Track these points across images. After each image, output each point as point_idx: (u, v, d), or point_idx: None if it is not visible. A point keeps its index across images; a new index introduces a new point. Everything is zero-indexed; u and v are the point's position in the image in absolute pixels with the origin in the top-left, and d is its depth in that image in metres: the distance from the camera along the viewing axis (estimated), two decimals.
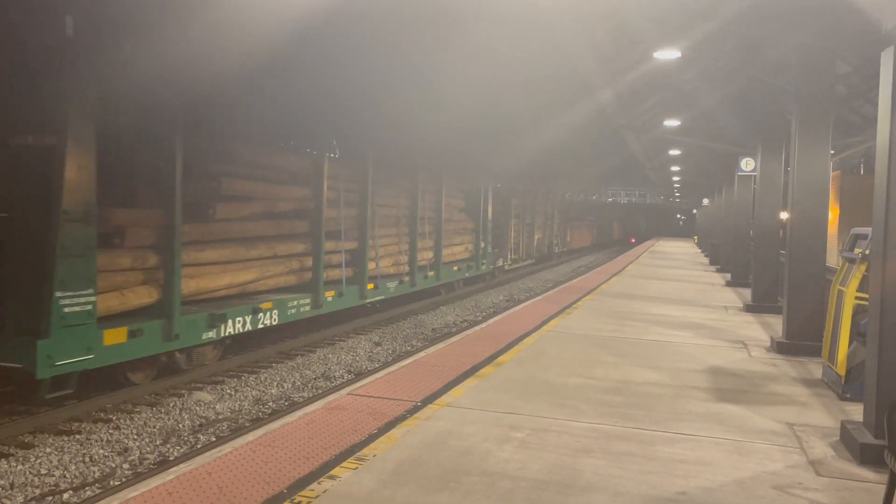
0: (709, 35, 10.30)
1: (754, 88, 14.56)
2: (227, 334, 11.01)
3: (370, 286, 15.87)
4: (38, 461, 7.32)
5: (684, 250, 45.46)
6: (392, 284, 17.23)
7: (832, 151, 10.69)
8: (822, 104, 10.26)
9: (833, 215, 19.58)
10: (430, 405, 6.81)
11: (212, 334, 10.72)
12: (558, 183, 41.96)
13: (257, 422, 8.79)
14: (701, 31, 10.16)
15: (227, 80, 9.59)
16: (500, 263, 28.10)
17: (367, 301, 15.96)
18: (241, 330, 11.28)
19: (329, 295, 14.10)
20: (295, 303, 12.89)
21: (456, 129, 16.72)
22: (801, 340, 10.05)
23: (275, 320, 12.19)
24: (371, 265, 16.10)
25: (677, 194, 65.61)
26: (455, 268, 22.07)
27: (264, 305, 11.94)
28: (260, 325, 11.79)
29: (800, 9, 7.95)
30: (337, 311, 14.92)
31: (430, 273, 19.75)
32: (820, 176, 10.25)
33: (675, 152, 27.94)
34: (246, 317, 11.43)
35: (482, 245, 24.81)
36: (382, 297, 16.78)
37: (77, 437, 8.08)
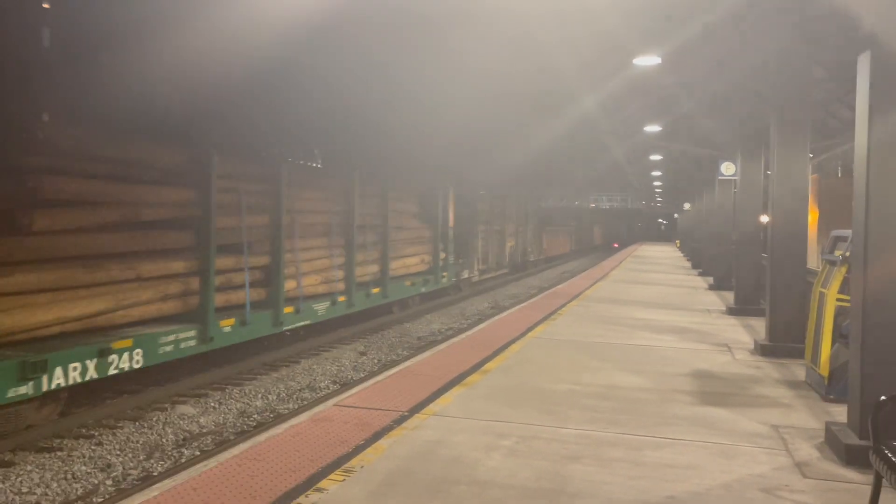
0: (687, 41, 10.40)
1: (733, 93, 14.70)
2: (55, 387, 8.21)
3: (288, 310, 13.12)
4: (19, 479, 7.20)
5: (667, 255, 45.75)
6: (321, 306, 14.46)
7: (811, 155, 10.81)
8: (800, 108, 10.37)
9: (812, 218, 19.79)
10: (417, 415, 6.78)
11: (26, 389, 7.83)
12: (534, 188, 40.59)
13: (242, 435, 8.71)
14: (680, 37, 10.25)
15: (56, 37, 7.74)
16: (467, 275, 25.48)
17: (286, 328, 13.19)
18: (79, 380, 8.53)
19: (226, 324, 11.36)
20: (171, 337, 10.08)
21: (407, 126, 15.79)
22: (784, 343, 10.13)
23: (138, 362, 9.44)
24: (290, 284, 13.49)
25: (659, 199, 66.04)
26: (408, 282, 19.27)
27: (119, 344, 9.10)
28: (113, 371, 9.02)
29: (777, 14, 8.05)
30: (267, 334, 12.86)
31: (375, 290, 17.09)
32: (799, 179, 10.36)
33: (656, 157, 28.17)
34: (88, 361, 8.62)
35: (442, 256, 22.22)
36: (308, 321, 13.94)
37: (59, 454, 7.96)
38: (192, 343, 10.56)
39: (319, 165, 17.59)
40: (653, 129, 19.40)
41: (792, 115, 10.29)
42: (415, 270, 20.20)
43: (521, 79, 13.46)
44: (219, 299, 11.44)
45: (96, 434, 8.64)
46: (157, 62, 9.37)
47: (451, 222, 22.84)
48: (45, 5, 8.68)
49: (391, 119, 15.08)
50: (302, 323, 13.73)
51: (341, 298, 15.30)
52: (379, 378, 8.44)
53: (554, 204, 67.24)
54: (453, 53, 11.22)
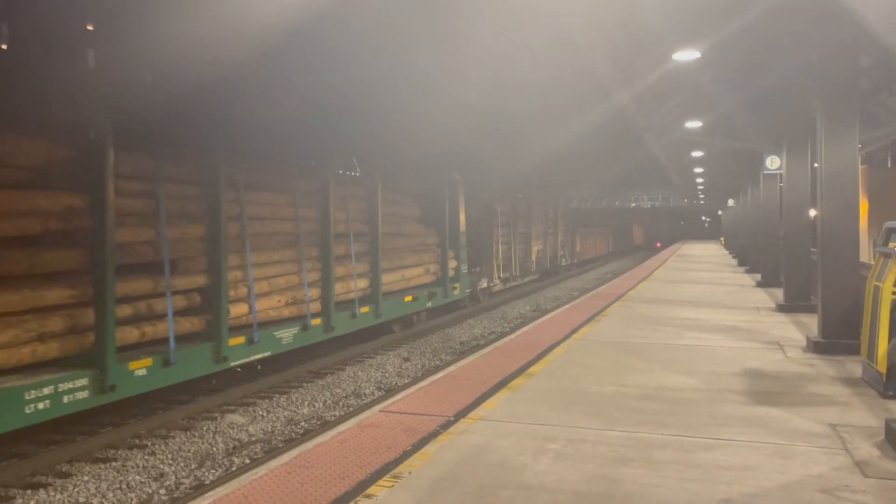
0: (729, 35, 10.21)
1: (776, 86, 14.39)
2: None
3: (237, 340, 10.69)
4: (77, 490, 7.37)
5: (711, 252, 44.98)
6: (287, 332, 11.88)
7: (859, 146, 10.52)
8: (847, 98, 10.10)
9: (862, 210, 19.24)
10: (463, 419, 6.75)
11: None
12: (565, 187, 37.49)
13: (291, 442, 8.79)
14: (721, 31, 10.08)
15: None
16: (485, 285, 22.88)
17: (235, 364, 10.74)
18: None
19: (139, 366, 8.95)
20: (47, 390, 7.69)
21: (404, 114, 13.52)
22: (838, 339, 9.85)
23: None
24: (239, 308, 11.01)
25: (702, 196, 64.95)
26: (408, 297, 16.50)
27: None
28: None
29: (820, 4, 7.85)
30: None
31: (364, 309, 14.41)
32: (849, 170, 10.08)
33: (697, 154, 27.69)
34: None
35: (453, 264, 19.42)
36: (266, 353, 11.42)
37: (113, 464, 8.13)
38: (84, 395, 8.16)
39: (279, 162, 13.92)
40: (694, 124, 19.09)
41: (839, 104, 10.02)
42: (418, 283, 17.79)
43: (551, 68, 12.79)
44: (130, 334, 9.11)
45: (149, 444, 8.80)
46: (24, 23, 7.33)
47: (462, 226, 19.94)
48: None
49: (384, 103, 13.03)
50: (258, 356, 11.24)
51: (315, 322, 12.69)
52: (423, 383, 8.43)
53: (591, 204, 66.33)
54: (471, 38, 10.63)
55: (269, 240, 12.22)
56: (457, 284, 19.59)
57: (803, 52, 11.18)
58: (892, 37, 6.33)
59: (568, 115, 17.82)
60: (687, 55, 11.18)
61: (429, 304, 17.69)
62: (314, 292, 13.08)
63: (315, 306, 13.03)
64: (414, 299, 16.81)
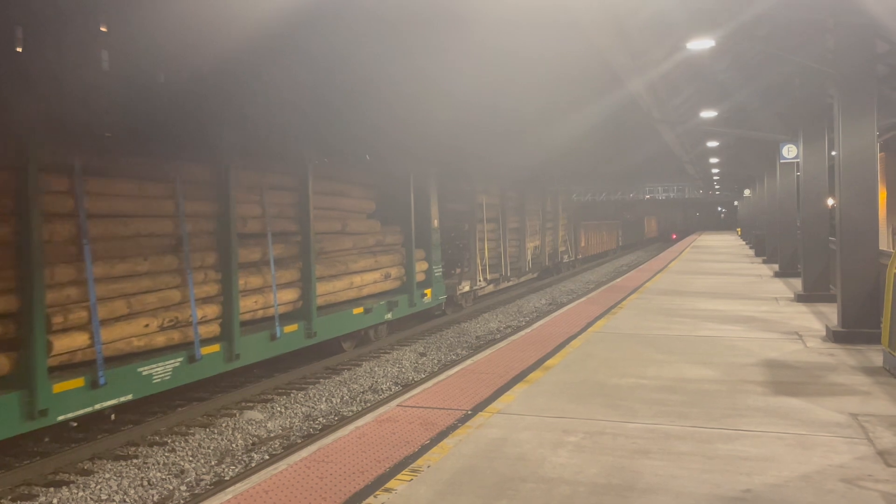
0: (744, 23, 10.12)
1: (792, 74, 14.26)
2: None
3: (72, 384, 7.86)
4: (98, 487, 7.44)
5: (728, 243, 44.67)
6: (161, 367, 9.01)
7: (877, 133, 10.40)
8: (864, 84, 9.98)
9: (881, 198, 19.03)
10: (480, 413, 6.75)
11: None
12: (573, 179, 34.97)
13: (309, 438, 8.82)
14: (736, 19, 9.98)
15: None
16: (467, 289, 19.44)
17: (66, 417, 7.84)
18: None
19: None
20: None
21: (344, 82, 11.71)
22: (858, 328, 9.75)
23: None
24: (71, 340, 8.10)
25: (717, 187, 64.50)
26: (358, 309, 13.34)
27: None
28: None
29: None
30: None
31: (290, 328, 11.44)
32: (867, 158, 9.96)
33: (712, 144, 27.47)
34: None
35: (422, 266, 16.50)
36: (126, 397, 8.53)
37: (134, 461, 8.20)
38: None
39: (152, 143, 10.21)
40: (709, 114, 18.95)
41: (856, 91, 9.91)
42: (375, 290, 14.67)
43: (558, 58, 12.47)
44: None
45: (169, 441, 8.86)
46: None
47: (434, 222, 17.05)
48: None
49: (312, 71, 11.08)
50: (108, 402, 8.31)
51: (210, 349, 9.85)
52: (440, 378, 8.43)
53: (601, 197, 65.56)
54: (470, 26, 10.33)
55: (130, 244, 9.18)
56: (428, 290, 16.50)
57: (819, 39, 11.06)
58: None
59: (574, 106, 17.52)
60: (701, 44, 11.08)
61: (388, 316, 14.48)
62: (209, 310, 10.09)
63: (210, 329, 10.09)
64: (367, 311, 13.60)
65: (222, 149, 10.48)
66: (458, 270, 19.59)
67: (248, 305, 10.86)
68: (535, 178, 27.97)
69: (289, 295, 11.83)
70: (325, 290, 12.82)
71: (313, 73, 12.16)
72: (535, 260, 27.51)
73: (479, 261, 20.27)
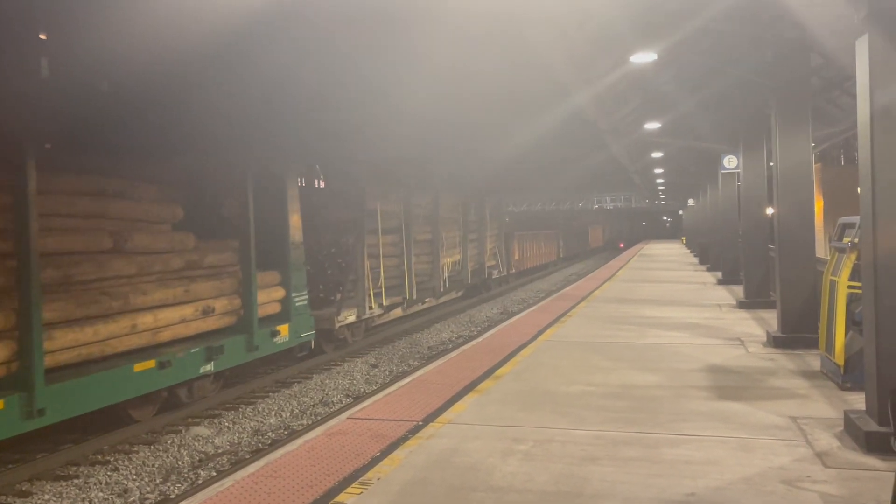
0: (685, 36, 10.39)
1: (732, 86, 14.67)
2: None
3: None
4: None
5: (673, 252, 45.64)
6: None
7: (812, 144, 10.78)
8: (800, 96, 10.36)
9: (817, 207, 19.70)
10: (431, 423, 6.74)
11: None
12: (501, 188, 31.80)
13: (258, 453, 8.68)
14: (677, 33, 10.23)
15: None
16: (353, 318, 15.44)
17: None
18: None
19: None
20: None
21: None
22: (797, 333, 10.05)
23: None
24: None
25: (662, 196, 65.83)
26: (144, 364, 9.35)
27: None
28: None
29: (772, 6, 8.03)
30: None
31: None
32: (803, 167, 10.32)
33: (657, 154, 28.07)
34: None
35: (277, 294, 12.59)
36: None
37: (75, 481, 7.95)
38: None
39: None
40: (653, 125, 19.36)
41: (792, 102, 10.26)
42: (183, 332, 10.54)
43: (503, 70, 12.32)
44: None
45: (112, 459, 8.62)
46: None
47: (294, 234, 13.01)
48: None
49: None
50: None
51: None
52: (392, 389, 8.40)
53: (550, 206, 65.70)
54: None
55: None
56: (283, 326, 12.46)
57: (757, 53, 11.42)
58: (832, 41, 6.51)
59: (519, 116, 17.20)
60: (644, 57, 11.34)
61: (208, 368, 10.55)
62: None
63: None
64: (163, 365, 9.60)
65: None
66: (338, 296, 15.16)
67: None
68: (453, 183, 24.22)
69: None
70: (72, 341, 8.59)
71: None
72: (456, 277, 23.63)
73: (369, 283, 16.20)
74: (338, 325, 14.59)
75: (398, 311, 18.65)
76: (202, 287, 10.98)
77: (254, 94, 11.58)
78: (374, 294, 16.56)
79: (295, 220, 13.08)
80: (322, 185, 16.69)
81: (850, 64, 6.08)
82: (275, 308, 12.56)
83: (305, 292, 13.33)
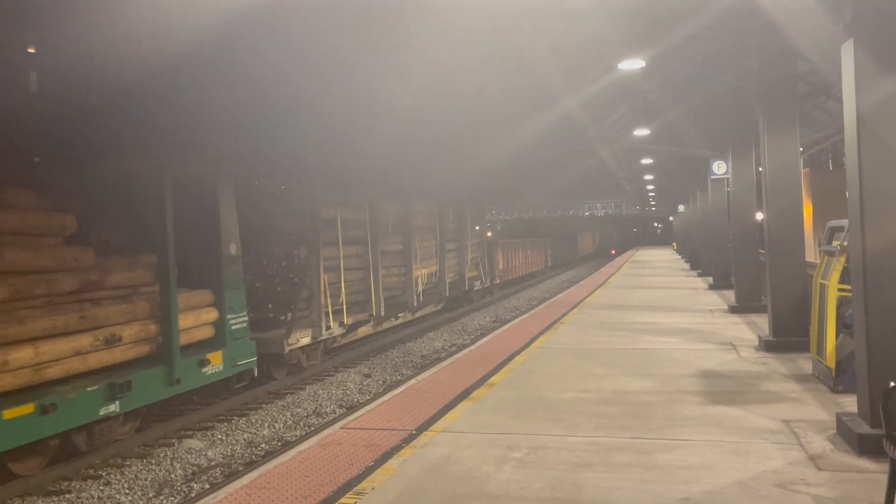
0: (672, 44, 10.45)
1: (720, 93, 14.76)
2: None
3: None
4: None
5: (664, 258, 45.77)
6: None
7: (800, 149, 10.85)
8: (787, 102, 10.44)
9: (806, 212, 19.80)
10: (425, 432, 6.73)
11: None
12: (484, 194, 30.45)
13: (251, 464, 8.64)
14: (664, 40, 10.30)
15: None
16: (306, 341, 13.72)
17: None
18: None
19: None
20: None
21: None
22: (788, 337, 10.09)
23: None
24: None
25: (653, 203, 66.12)
26: (19, 409, 7.58)
27: None
28: None
29: (756, 11, 8.09)
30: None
31: None
32: (791, 172, 10.39)
33: (647, 161, 28.19)
34: None
35: (209, 317, 10.87)
36: None
37: (67, 496, 7.89)
38: None
39: None
40: (642, 132, 19.46)
41: (779, 108, 10.35)
42: (78, 368, 8.67)
43: (491, 78, 12.15)
44: None
45: (104, 474, 8.56)
46: None
47: (230, 247, 11.28)
48: None
49: None
50: None
51: None
52: (385, 398, 8.38)
53: (541, 214, 65.51)
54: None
55: None
56: (215, 354, 10.70)
57: (744, 59, 11.49)
58: (817, 47, 6.57)
59: (508, 123, 17.01)
60: (632, 64, 11.40)
61: (112, 409, 8.82)
62: None
63: None
64: (46, 410, 7.87)
65: None
66: (288, 316, 13.31)
67: None
68: (428, 188, 22.68)
69: None
70: None
71: None
72: (433, 290, 22.02)
73: (327, 299, 14.41)
74: (288, 348, 12.97)
75: (367, 329, 17.26)
76: (106, 312, 9.13)
77: (172, 77, 9.60)
78: (334, 312, 14.84)
79: (230, 230, 11.34)
80: (271, 189, 14.26)
81: (836, 69, 6.14)
82: (206, 333, 10.85)
83: (245, 313, 11.59)
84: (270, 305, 13.49)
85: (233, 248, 11.34)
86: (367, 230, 17.17)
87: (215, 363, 10.71)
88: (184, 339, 10.21)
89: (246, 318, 11.60)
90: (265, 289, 13.53)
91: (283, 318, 13.39)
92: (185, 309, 10.34)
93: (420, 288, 20.28)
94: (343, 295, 15.28)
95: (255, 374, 11.95)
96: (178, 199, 10.24)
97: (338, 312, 15.07)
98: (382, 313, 17.51)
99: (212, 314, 10.95)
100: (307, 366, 14.02)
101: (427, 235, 21.68)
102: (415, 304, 19.93)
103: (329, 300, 14.53)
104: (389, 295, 18.34)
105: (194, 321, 10.55)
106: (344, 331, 15.55)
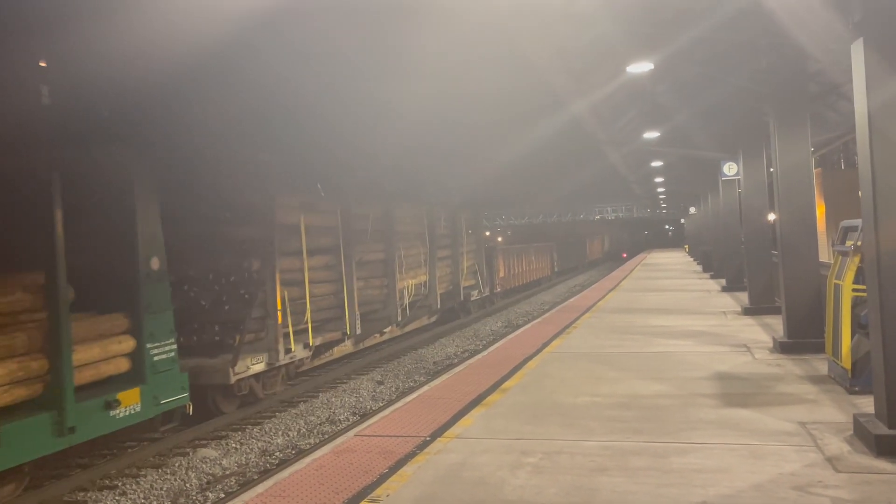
0: (680, 47, 10.45)
1: (730, 94, 14.72)
2: None
3: None
4: None
5: (676, 260, 45.57)
6: None
7: (812, 149, 10.79)
8: (797, 103, 10.39)
9: (819, 212, 19.67)
10: (439, 439, 6.72)
11: None
12: (485, 199, 28.61)
13: (266, 473, 8.65)
14: (672, 43, 10.29)
15: None
16: (259, 368, 11.73)
17: None
18: None
19: None
20: None
21: None
22: (803, 338, 10.02)
23: None
24: None
25: (663, 205, 65.93)
26: None
27: None
28: None
29: (765, 12, 8.07)
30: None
31: None
32: (803, 172, 10.33)
33: (657, 164, 28.13)
34: None
35: (126, 347, 8.76)
36: None
37: None
38: None
39: None
40: (651, 135, 19.41)
41: (790, 108, 10.31)
42: None
43: (498, 83, 12.07)
44: None
45: (120, 484, 8.59)
46: None
47: (152, 262, 9.19)
48: None
49: None
50: None
51: None
52: (398, 405, 8.38)
53: (552, 218, 65.31)
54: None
55: None
56: (130, 392, 8.68)
57: (753, 60, 11.46)
58: (828, 46, 6.55)
59: (516, 127, 16.96)
60: (640, 67, 11.40)
61: None
62: None
63: None
64: None
65: None
66: (237, 339, 11.18)
67: None
68: (414, 190, 20.72)
69: None
70: None
71: None
72: (422, 302, 19.75)
73: (287, 318, 12.39)
74: (235, 377, 10.94)
75: (347, 346, 15.40)
76: None
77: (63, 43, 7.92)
78: (297, 332, 12.65)
79: (151, 241, 9.20)
80: (217, 190, 12.01)
81: (846, 70, 6.12)
82: (118, 366, 8.72)
83: (171, 340, 9.41)
84: (217, 328, 11.53)
85: (155, 263, 9.22)
86: (338, 237, 14.91)
87: (129, 403, 8.58)
88: (87, 375, 8.17)
89: (174, 347, 9.44)
90: (212, 307, 11.56)
91: (231, 341, 11.37)
92: (89, 339, 8.29)
93: (406, 301, 18.22)
94: (308, 312, 13.16)
95: (190, 412, 9.79)
96: (80, 204, 8.43)
97: (303, 332, 13.06)
98: (358, 331, 15.29)
99: (126, 344, 8.78)
100: (263, 395, 12.02)
101: (414, 242, 19.45)
102: (399, 318, 17.77)
103: (290, 319, 12.43)
104: (369, 310, 16.34)
105: (101, 353, 8.43)
106: (310, 353, 13.37)
